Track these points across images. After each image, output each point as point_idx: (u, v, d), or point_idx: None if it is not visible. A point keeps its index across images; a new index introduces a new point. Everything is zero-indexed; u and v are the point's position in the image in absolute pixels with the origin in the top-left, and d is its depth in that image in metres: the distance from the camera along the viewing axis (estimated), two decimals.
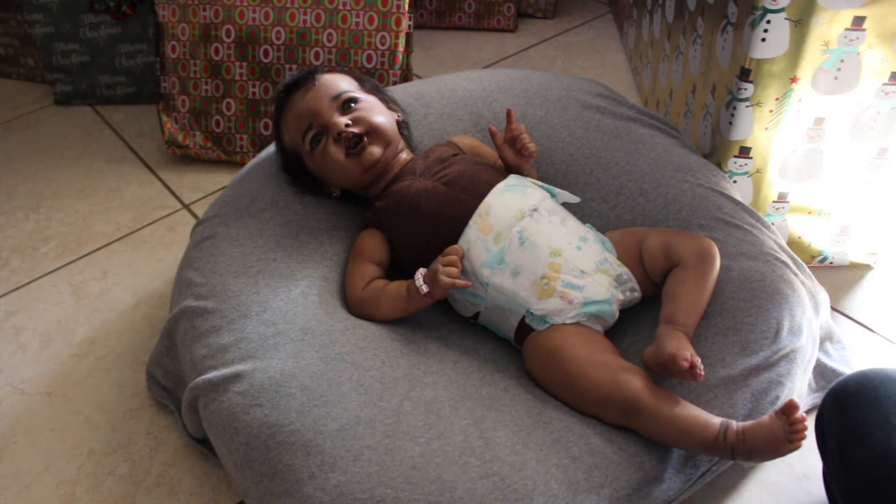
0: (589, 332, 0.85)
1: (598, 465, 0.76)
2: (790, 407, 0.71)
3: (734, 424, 0.75)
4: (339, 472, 0.72)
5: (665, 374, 0.79)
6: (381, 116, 0.97)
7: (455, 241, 0.89)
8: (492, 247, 0.87)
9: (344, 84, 0.99)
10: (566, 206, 0.95)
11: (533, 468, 0.74)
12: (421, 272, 0.87)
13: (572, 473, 0.75)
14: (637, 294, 0.90)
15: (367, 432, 0.75)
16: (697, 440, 0.75)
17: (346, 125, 0.94)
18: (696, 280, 0.85)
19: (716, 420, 0.76)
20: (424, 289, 0.86)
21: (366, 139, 0.95)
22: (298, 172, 1.02)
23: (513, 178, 0.93)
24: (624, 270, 0.89)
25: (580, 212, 1.02)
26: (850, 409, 0.74)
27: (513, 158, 0.97)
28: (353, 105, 0.97)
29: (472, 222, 0.88)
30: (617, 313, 0.88)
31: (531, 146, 0.95)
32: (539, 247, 0.86)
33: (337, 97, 0.96)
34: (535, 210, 0.89)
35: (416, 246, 0.93)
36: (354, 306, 0.92)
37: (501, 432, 0.78)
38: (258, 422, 0.76)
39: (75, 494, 0.93)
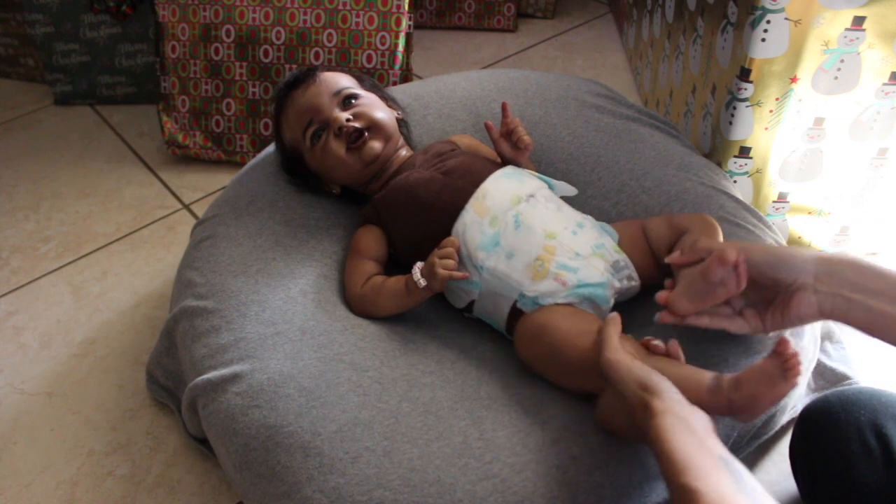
0: (577, 309, 0.84)
1: (598, 466, 0.76)
2: (782, 342, 0.66)
3: (726, 376, 0.70)
4: (337, 473, 0.72)
5: (702, 301, 0.73)
6: (382, 112, 0.98)
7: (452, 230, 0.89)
8: (487, 229, 0.86)
9: (344, 81, 1.00)
10: (565, 199, 0.95)
11: (533, 469, 0.74)
12: (418, 266, 0.87)
13: (573, 474, 0.75)
14: (635, 283, 0.89)
15: (366, 434, 0.75)
16: (692, 396, 0.68)
17: (348, 119, 0.95)
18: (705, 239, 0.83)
19: (707, 373, 0.71)
20: (422, 282, 0.86)
21: (367, 134, 0.95)
22: (298, 170, 1.02)
23: (511, 168, 0.94)
24: (622, 257, 0.88)
25: (581, 209, 1.02)
26: (814, 436, 0.74)
27: (509, 152, 0.97)
28: (353, 101, 0.97)
29: (468, 205, 0.88)
30: (612, 300, 0.87)
31: (526, 138, 0.96)
32: (534, 229, 0.86)
33: (338, 93, 0.97)
34: (531, 196, 0.89)
35: (413, 237, 0.93)
36: (355, 304, 0.93)
37: (501, 433, 0.78)
38: (256, 423, 0.76)
39: (75, 494, 0.93)
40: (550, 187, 0.93)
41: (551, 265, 0.84)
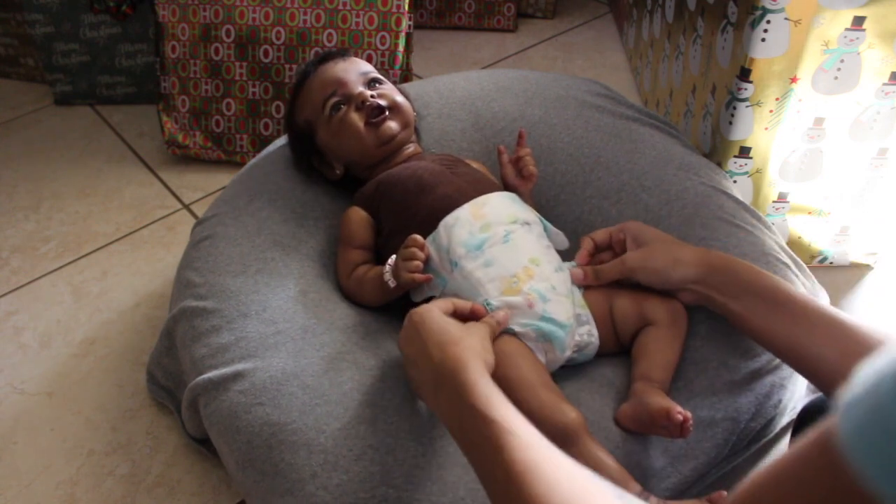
0: (534, 355, 0.81)
1: None
2: (719, 499, 0.70)
3: (654, 498, 0.71)
4: (341, 471, 0.72)
5: (645, 430, 0.77)
6: (403, 99, 1.00)
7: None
8: (476, 233, 0.86)
9: (371, 67, 1.03)
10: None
11: None
12: (390, 263, 0.87)
13: None
14: (594, 341, 0.86)
15: (370, 431, 0.75)
16: None
17: (371, 96, 0.97)
18: (669, 339, 0.83)
19: (636, 485, 0.73)
20: (392, 283, 0.86)
21: (387, 113, 0.97)
22: (304, 148, 1.03)
23: (516, 196, 0.94)
24: (585, 313, 0.86)
25: (581, 208, 1.02)
26: None
27: (513, 178, 0.99)
28: (377, 85, 1.00)
29: (466, 205, 0.88)
30: (567, 352, 0.84)
31: (532, 168, 0.98)
32: (520, 249, 0.85)
33: (364, 74, 1.00)
34: (527, 223, 0.89)
35: (401, 226, 0.91)
36: (344, 292, 0.94)
37: None
38: (260, 420, 0.76)
39: (75, 494, 0.93)
40: (546, 229, 0.93)
41: (525, 285, 0.82)
